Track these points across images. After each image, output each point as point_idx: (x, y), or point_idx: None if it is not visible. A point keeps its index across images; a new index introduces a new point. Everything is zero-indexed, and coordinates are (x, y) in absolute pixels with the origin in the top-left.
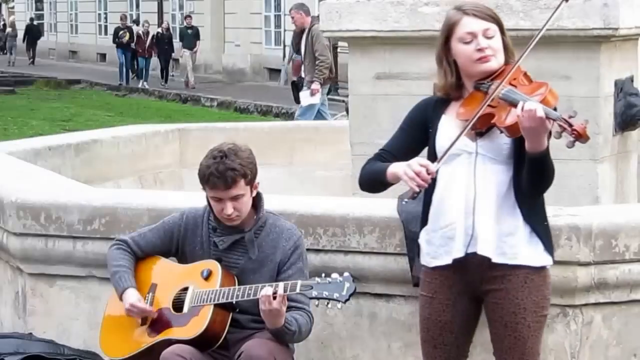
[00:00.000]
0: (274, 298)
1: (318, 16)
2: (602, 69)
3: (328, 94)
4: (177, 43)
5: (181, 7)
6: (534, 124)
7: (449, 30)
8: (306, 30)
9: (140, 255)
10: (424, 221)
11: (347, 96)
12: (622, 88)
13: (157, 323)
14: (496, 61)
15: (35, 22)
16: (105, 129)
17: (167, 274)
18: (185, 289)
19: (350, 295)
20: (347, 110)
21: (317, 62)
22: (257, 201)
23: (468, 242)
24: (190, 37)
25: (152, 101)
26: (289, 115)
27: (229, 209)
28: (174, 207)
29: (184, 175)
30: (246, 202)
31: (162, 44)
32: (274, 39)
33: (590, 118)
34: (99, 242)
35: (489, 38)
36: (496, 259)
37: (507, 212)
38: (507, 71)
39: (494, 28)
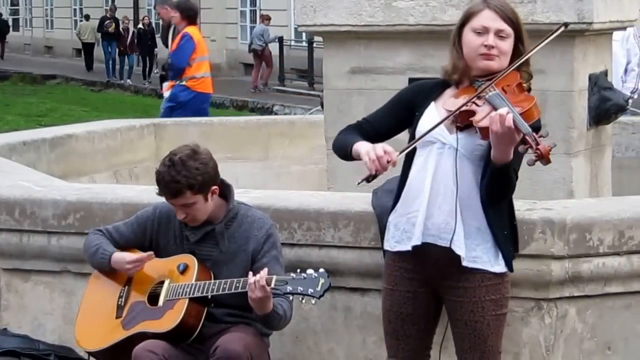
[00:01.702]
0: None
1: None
2: (576, 63)
3: None
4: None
5: None
6: (501, 131)
7: (467, 16)
8: (173, 25)
9: (115, 246)
10: (394, 205)
11: (322, 91)
12: (596, 82)
13: (132, 316)
14: (499, 63)
15: (3, 17)
16: (80, 124)
17: (143, 267)
18: (162, 282)
19: (325, 291)
20: (322, 104)
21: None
22: (226, 193)
23: (430, 232)
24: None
25: (127, 96)
26: (264, 110)
27: (180, 214)
28: (149, 202)
29: None
30: (200, 209)
31: (144, 40)
32: (250, 34)
33: (565, 112)
34: (74, 237)
35: (500, 38)
36: (460, 253)
37: (472, 213)
38: (503, 73)
39: (508, 31)
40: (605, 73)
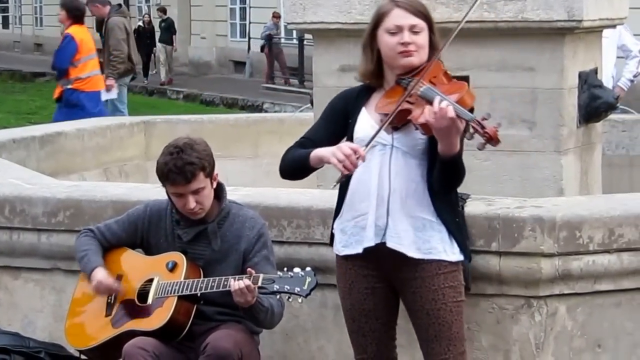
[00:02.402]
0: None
1: (115, 6)
2: (566, 61)
3: (131, 81)
4: None
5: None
6: (444, 124)
7: (378, 19)
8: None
9: (106, 246)
10: (337, 211)
11: (312, 88)
12: (586, 80)
13: (121, 314)
14: (418, 57)
15: None
16: (70, 122)
17: (132, 265)
18: (151, 280)
19: (312, 290)
20: (311, 102)
21: (111, 57)
22: (219, 192)
23: (382, 233)
24: (164, 30)
25: None
26: (254, 108)
27: (192, 203)
28: (139, 200)
29: (149, 168)
30: (208, 195)
31: (143, 38)
32: (239, 32)
33: (555, 110)
34: (64, 235)
35: (415, 33)
36: (411, 253)
37: (420, 206)
38: (427, 67)
39: (421, 25)
40: (596, 71)
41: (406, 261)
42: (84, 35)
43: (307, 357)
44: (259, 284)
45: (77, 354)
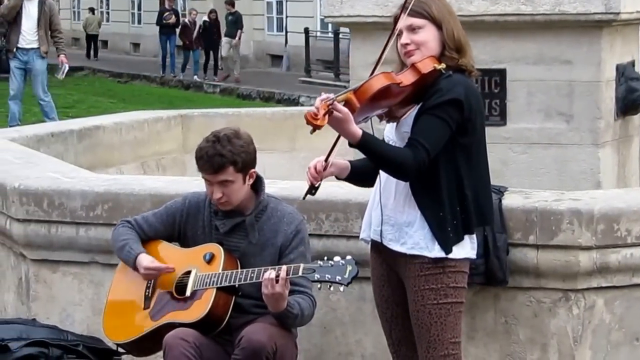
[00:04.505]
0: (277, 281)
1: None
2: (604, 54)
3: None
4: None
5: None
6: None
7: (394, 24)
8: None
9: (143, 238)
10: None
11: (348, 82)
12: (623, 72)
13: (160, 306)
14: (420, 54)
15: None
16: (107, 115)
17: (169, 257)
18: (188, 272)
19: (353, 278)
20: None
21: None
22: (257, 185)
23: (379, 228)
24: (231, 24)
25: (154, 88)
26: (291, 101)
27: (217, 193)
28: (177, 193)
29: (186, 161)
30: (236, 190)
31: (210, 34)
32: (276, 26)
33: (592, 103)
34: (102, 228)
35: (413, 32)
36: (397, 247)
37: (405, 202)
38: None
39: (418, 23)
40: (633, 63)
41: (398, 259)
42: None
43: (345, 350)
44: (300, 273)
45: (114, 347)
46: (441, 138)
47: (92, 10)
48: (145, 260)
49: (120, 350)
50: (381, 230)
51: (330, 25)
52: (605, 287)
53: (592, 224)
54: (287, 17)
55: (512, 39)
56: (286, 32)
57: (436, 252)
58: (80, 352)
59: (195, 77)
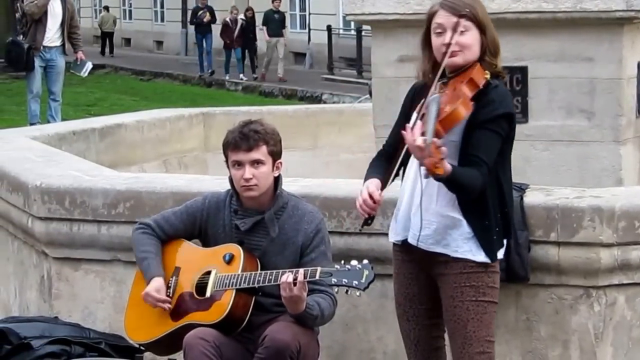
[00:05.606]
0: (294, 284)
1: None
2: (625, 51)
3: None
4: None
5: None
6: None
7: (428, 20)
8: None
9: (164, 239)
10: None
11: (370, 79)
12: None
13: (180, 307)
14: (462, 57)
15: None
16: (129, 114)
17: (190, 257)
18: (208, 272)
19: (370, 283)
20: (370, 93)
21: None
22: (276, 183)
23: (418, 233)
24: (277, 22)
25: (176, 85)
26: (313, 99)
27: (248, 173)
28: (198, 191)
29: (208, 159)
30: (265, 175)
31: (247, 32)
32: (299, 23)
33: (613, 100)
34: (124, 226)
35: (460, 33)
36: (439, 249)
37: (448, 206)
38: (473, 69)
39: (466, 24)
40: None
41: (438, 258)
42: None
43: (367, 347)
44: (317, 277)
45: (136, 345)
46: (496, 152)
47: (106, 8)
48: (152, 286)
49: (142, 347)
50: (420, 236)
51: (352, 23)
52: (627, 284)
53: (613, 221)
54: (309, 14)
55: (534, 37)
56: (309, 29)
57: (482, 258)
58: (102, 349)
59: (242, 76)
